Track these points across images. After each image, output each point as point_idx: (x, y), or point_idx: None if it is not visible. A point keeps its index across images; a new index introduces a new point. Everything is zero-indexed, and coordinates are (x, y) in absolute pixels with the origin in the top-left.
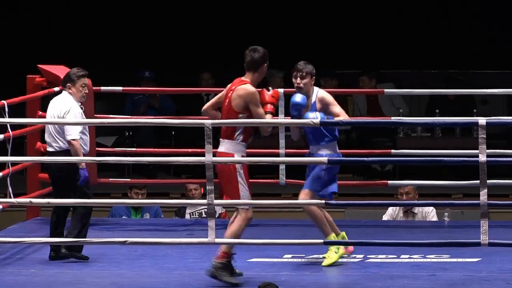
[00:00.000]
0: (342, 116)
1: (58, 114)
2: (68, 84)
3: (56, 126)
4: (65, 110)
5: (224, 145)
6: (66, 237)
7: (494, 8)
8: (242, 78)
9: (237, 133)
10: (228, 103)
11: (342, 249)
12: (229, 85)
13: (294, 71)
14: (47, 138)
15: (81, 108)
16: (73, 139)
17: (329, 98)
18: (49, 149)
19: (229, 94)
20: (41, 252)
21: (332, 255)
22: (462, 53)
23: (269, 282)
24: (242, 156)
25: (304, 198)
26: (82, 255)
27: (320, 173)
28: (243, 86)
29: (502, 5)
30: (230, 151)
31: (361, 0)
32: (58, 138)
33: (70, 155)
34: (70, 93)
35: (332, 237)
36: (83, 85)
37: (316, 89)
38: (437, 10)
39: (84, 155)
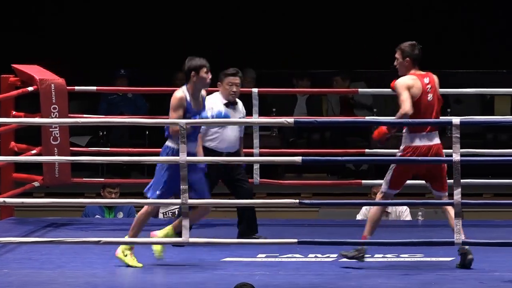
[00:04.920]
0: None
1: None
2: (218, 82)
3: None
4: None
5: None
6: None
7: (469, 7)
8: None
9: None
10: None
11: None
12: None
13: (206, 67)
14: None
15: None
16: None
17: None
18: None
19: None
20: (15, 252)
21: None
22: (435, 52)
23: (245, 282)
24: None
25: None
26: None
27: None
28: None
29: (478, 5)
30: None
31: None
32: None
33: None
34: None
35: None
36: (230, 84)
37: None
38: (411, 10)
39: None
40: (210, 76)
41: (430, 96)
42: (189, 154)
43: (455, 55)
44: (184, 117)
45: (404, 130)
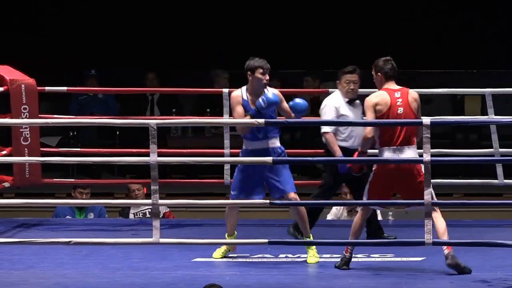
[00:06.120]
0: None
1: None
2: (337, 81)
3: None
4: (323, 105)
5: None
6: None
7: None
8: None
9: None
10: None
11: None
12: None
13: (263, 69)
14: None
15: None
16: (325, 132)
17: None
18: None
19: None
20: None
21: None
22: (405, 52)
23: (213, 283)
24: None
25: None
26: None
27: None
28: None
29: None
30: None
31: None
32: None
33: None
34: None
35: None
36: (348, 81)
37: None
38: (379, 9)
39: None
40: (267, 77)
41: (400, 110)
42: (256, 151)
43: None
44: (245, 115)
45: (376, 145)
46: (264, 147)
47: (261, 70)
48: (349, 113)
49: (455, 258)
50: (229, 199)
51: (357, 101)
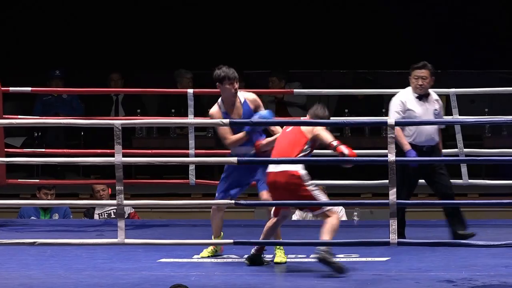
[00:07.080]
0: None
1: None
2: (409, 76)
3: None
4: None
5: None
6: None
7: (401, 6)
8: None
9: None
10: None
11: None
12: None
13: (229, 79)
14: None
15: None
16: (390, 125)
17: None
18: None
19: None
20: None
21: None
22: (370, 52)
23: (179, 283)
24: None
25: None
26: None
27: None
28: None
29: (409, 4)
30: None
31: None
32: None
33: None
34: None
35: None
36: (416, 77)
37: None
38: (345, 10)
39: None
40: (235, 86)
41: None
42: (241, 156)
43: (389, 55)
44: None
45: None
46: (249, 152)
47: (227, 81)
48: (417, 108)
49: (325, 254)
50: (193, 200)
51: (432, 97)
